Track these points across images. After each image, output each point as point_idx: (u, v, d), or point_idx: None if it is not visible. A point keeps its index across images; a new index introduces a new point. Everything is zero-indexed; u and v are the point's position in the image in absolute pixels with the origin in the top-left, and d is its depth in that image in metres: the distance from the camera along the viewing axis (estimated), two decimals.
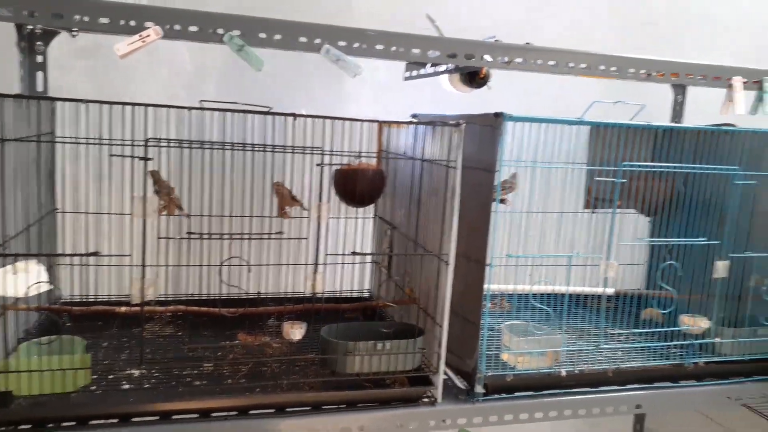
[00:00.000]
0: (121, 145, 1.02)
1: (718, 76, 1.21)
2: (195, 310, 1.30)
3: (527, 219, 1.41)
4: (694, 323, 1.32)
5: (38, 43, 1.23)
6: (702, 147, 1.38)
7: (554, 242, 1.43)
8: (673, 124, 1.67)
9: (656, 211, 1.61)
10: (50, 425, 0.99)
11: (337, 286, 1.36)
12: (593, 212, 1.60)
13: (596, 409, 1.27)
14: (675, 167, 1.32)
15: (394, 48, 1.03)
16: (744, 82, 1.20)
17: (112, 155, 0.99)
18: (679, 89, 1.68)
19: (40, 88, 1.29)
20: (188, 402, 1.08)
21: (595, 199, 1.65)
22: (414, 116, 1.56)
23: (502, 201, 1.33)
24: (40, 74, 1.28)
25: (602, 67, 1.14)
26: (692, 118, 1.68)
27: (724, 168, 1.28)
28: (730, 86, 1.19)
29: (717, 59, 1.28)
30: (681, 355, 1.34)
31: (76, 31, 1.00)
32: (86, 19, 0.92)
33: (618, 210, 1.39)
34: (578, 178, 1.59)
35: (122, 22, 0.92)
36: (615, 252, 1.30)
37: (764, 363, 1.38)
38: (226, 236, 1.11)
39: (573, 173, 1.53)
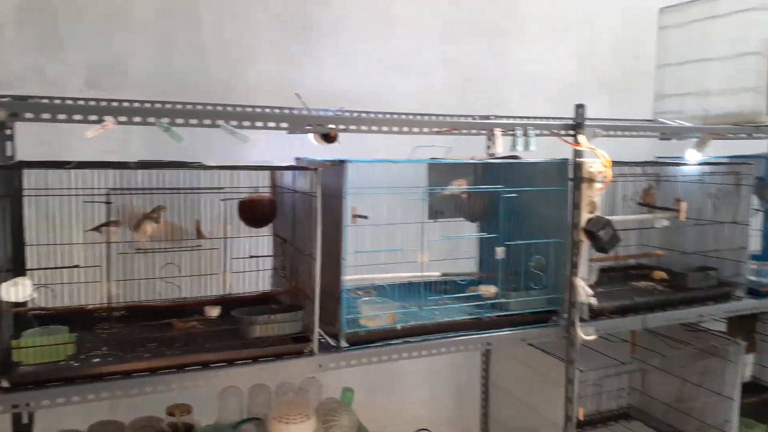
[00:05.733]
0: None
1: (483, 129, 1.86)
2: (141, 305, 1.84)
3: (388, 229, 1.97)
4: (487, 290, 1.97)
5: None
6: (494, 172, 2.04)
7: (409, 244, 2.01)
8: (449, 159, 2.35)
9: (477, 218, 2.29)
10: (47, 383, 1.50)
11: (247, 286, 1.95)
12: (435, 221, 2.25)
13: (438, 350, 1.87)
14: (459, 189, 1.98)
15: (270, 123, 1.62)
16: (502, 132, 1.86)
17: (85, 201, 1.53)
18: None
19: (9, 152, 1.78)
20: (139, 364, 1.60)
21: (435, 212, 2.32)
22: (297, 159, 2.16)
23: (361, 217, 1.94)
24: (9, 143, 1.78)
25: (396, 128, 1.76)
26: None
27: (492, 187, 1.96)
28: (492, 134, 1.85)
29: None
30: (480, 312, 1.99)
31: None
32: (63, 117, 1.45)
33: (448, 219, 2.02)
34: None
35: (90, 118, 1.46)
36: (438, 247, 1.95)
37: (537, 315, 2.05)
38: (159, 249, 1.66)
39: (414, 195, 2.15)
